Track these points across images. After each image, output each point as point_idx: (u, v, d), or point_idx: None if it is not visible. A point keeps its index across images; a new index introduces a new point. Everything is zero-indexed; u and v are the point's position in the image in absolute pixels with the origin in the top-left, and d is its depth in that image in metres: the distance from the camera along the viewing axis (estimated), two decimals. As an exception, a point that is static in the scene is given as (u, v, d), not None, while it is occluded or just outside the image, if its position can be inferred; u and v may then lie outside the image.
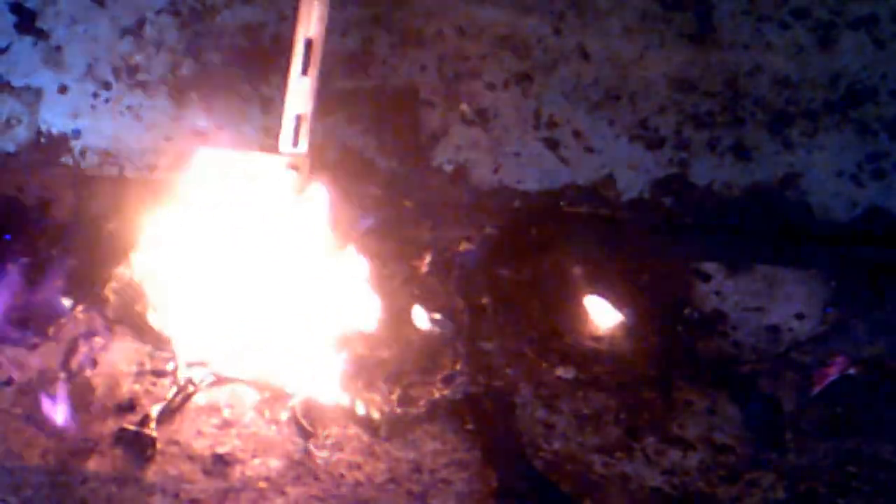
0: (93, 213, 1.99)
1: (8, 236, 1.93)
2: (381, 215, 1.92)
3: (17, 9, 1.98)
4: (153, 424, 1.58)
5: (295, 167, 1.78)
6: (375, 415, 1.61)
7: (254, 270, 1.70)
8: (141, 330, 1.74)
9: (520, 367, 1.72)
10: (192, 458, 1.55)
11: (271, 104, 1.96)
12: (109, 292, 1.79)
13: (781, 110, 1.90)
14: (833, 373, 1.71)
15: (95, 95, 2.00)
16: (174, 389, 1.64)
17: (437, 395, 1.65)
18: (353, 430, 1.60)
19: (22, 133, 2.03)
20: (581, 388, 1.70)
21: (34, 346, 1.71)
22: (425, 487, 1.53)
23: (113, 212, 1.97)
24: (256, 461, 1.55)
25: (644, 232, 1.96)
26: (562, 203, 1.98)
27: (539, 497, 1.53)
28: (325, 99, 1.89)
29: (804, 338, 1.79)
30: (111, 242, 1.87)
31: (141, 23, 1.95)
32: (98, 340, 1.72)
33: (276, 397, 1.65)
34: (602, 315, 1.81)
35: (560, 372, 1.72)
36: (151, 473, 1.52)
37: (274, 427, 1.60)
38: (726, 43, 1.88)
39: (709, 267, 1.89)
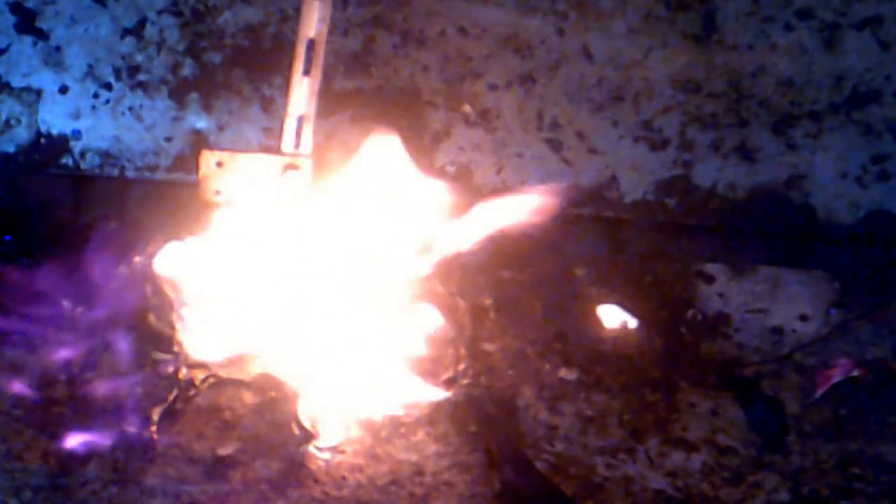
0: (93, 214, 1.99)
1: (8, 237, 1.93)
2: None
3: (16, 8, 1.97)
4: (154, 427, 1.57)
5: (297, 168, 1.78)
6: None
7: (257, 270, 1.70)
8: (142, 331, 1.73)
9: (522, 369, 1.72)
10: (193, 460, 1.54)
11: (273, 105, 1.95)
12: (110, 294, 1.79)
13: (786, 111, 1.90)
14: (837, 375, 1.71)
15: (96, 96, 1.99)
16: (175, 391, 1.64)
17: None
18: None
19: (22, 134, 2.02)
20: (584, 389, 1.69)
21: (34, 349, 1.71)
22: (427, 490, 1.52)
23: (114, 213, 1.97)
24: (258, 463, 1.54)
25: (647, 233, 1.95)
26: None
27: (542, 499, 1.52)
28: (327, 99, 1.89)
29: (808, 339, 1.79)
30: (112, 243, 1.87)
31: (142, 23, 1.95)
32: (98, 342, 1.72)
33: (278, 398, 1.64)
34: (605, 317, 1.81)
35: (563, 374, 1.72)
36: (152, 476, 1.51)
37: (275, 429, 1.60)
38: (730, 44, 1.87)
39: (712, 268, 1.89)
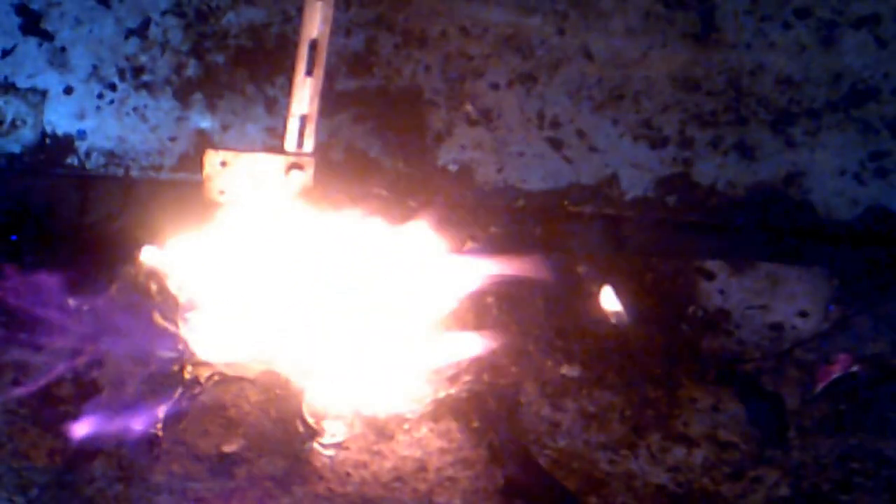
0: (98, 213, 1.99)
1: (14, 237, 1.93)
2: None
3: (21, 10, 1.98)
4: (159, 424, 1.58)
5: (300, 167, 1.78)
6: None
7: (261, 269, 1.70)
8: (147, 329, 1.74)
9: (525, 366, 1.72)
10: (198, 457, 1.55)
11: (276, 105, 1.96)
12: (115, 293, 1.79)
13: (784, 109, 1.90)
14: (836, 370, 1.71)
15: (101, 96, 2.00)
16: (180, 389, 1.64)
17: (442, 393, 1.65)
18: (358, 428, 1.60)
19: (27, 134, 2.03)
20: (586, 386, 1.69)
21: (40, 348, 1.71)
22: (431, 486, 1.53)
23: (118, 212, 1.97)
24: (263, 460, 1.55)
25: (648, 230, 1.96)
26: (566, 202, 1.98)
27: (544, 494, 1.53)
28: (330, 99, 1.90)
29: (807, 335, 1.79)
30: (117, 243, 1.87)
31: (146, 24, 1.96)
32: (104, 340, 1.72)
33: (283, 396, 1.64)
34: (606, 313, 1.81)
35: (565, 370, 1.72)
36: (157, 473, 1.52)
37: (280, 426, 1.60)
38: (729, 42, 1.88)
39: (712, 265, 1.89)
